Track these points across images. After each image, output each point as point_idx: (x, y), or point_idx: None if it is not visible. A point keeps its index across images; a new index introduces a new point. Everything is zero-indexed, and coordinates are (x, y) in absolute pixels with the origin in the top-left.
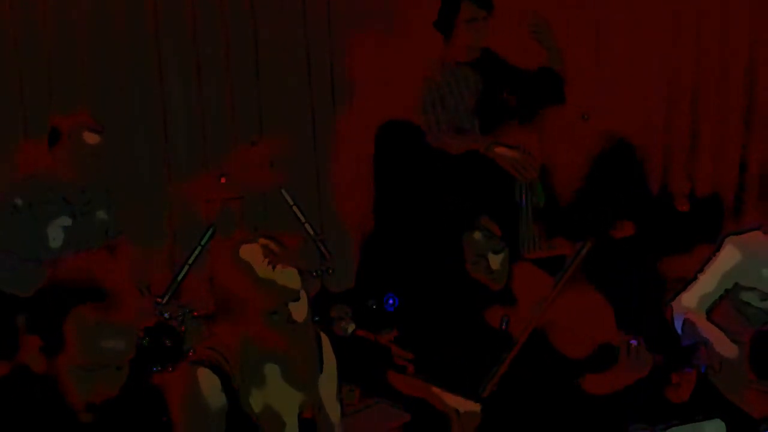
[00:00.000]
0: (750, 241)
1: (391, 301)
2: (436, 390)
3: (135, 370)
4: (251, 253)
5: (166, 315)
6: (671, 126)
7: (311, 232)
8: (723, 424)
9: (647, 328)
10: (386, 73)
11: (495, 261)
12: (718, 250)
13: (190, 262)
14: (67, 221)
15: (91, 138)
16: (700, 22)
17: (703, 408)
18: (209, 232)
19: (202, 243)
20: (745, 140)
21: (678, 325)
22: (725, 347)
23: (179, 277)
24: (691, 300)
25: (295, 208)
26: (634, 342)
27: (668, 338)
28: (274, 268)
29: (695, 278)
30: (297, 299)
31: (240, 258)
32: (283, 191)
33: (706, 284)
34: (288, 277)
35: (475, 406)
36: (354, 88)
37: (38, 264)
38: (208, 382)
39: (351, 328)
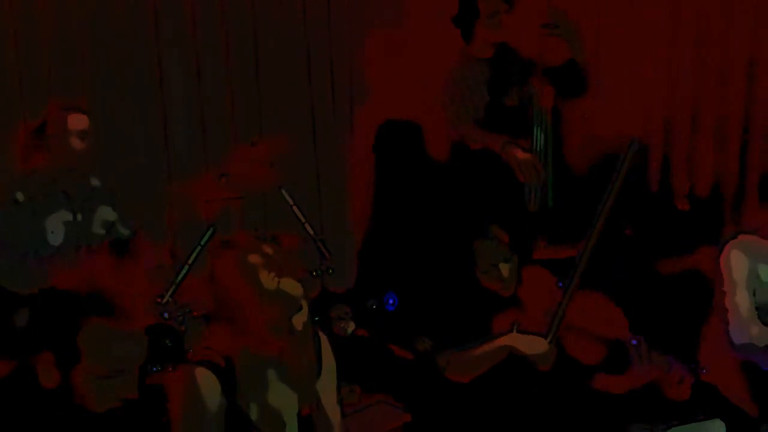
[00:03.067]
0: (749, 243)
1: (391, 301)
2: (505, 341)
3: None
4: (255, 266)
5: (166, 315)
6: (671, 126)
7: (311, 232)
8: (723, 424)
9: (648, 327)
10: (388, 72)
11: (506, 269)
12: (720, 253)
13: (190, 262)
14: (67, 216)
15: (77, 121)
16: (700, 22)
17: (703, 408)
18: (209, 232)
19: (202, 243)
20: (744, 140)
21: (754, 352)
22: None
23: (179, 277)
24: (752, 321)
25: (295, 208)
26: (634, 342)
27: (669, 338)
28: (279, 282)
29: (721, 297)
30: (300, 309)
31: (244, 272)
32: (283, 191)
33: (745, 298)
34: (291, 289)
35: (546, 344)
36: (354, 87)
37: (39, 259)
38: (207, 382)
39: (351, 328)
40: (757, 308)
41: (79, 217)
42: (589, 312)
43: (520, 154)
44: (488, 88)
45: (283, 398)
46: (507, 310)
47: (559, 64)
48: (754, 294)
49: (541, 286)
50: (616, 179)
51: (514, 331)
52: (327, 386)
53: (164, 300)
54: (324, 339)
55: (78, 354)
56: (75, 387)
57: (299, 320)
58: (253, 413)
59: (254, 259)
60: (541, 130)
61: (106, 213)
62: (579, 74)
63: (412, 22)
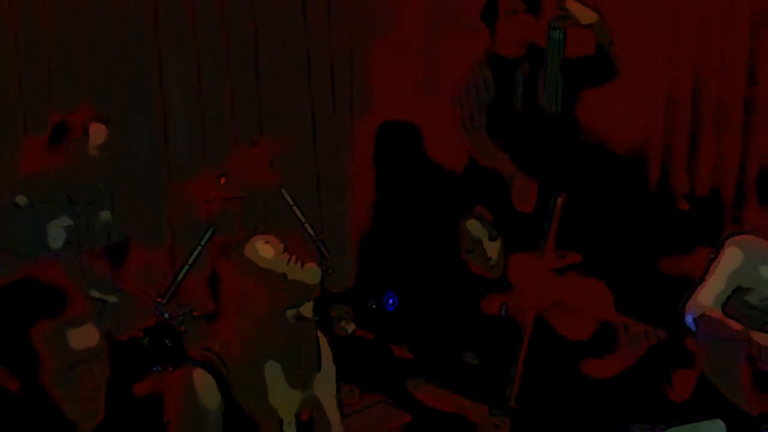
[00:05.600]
0: (749, 242)
1: (391, 301)
2: (465, 402)
3: (135, 371)
4: (276, 250)
5: (166, 315)
6: (671, 126)
7: (311, 232)
8: (723, 424)
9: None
10: (389, 74)
11: (491, 249)
12: (719, 250)
13: (190, 262)
14: (68, 221)
15: (100, 131)
16: (700, 22)
17: (703, 408)
18: (209, 232)
19: (202, 243)
20: (745, 140)
21: (692, 323)
22: (761, 337)
23: (179, 277)
24: (706, 299)
25: (295, 208)
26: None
27: (670, 337)
28: (302, 265)
29: (702, 280)
30: (316, 297)
31: (264, 255)
32: (283, 191)
33: (717, 284)
34: (313, 274)
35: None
36: (355, 89)
37: (37, 262)
38: (204, 383)
39: (351, 328)
40: (757, 308)
41: (82, 221)
42: (577, 291)
43: (524, 184)
44: (501, 90)
45: (283, 396)
46: (496, 293)
47: (585, 55)
48: (739, 289)
49: (530, 269)
50: (546, 234)
51: (503, 313)
52: (326, 387)
53: (164, 300)
54: (323, 338)
55: (36, 355)
56: (46, 389)
57: (308, 307)
58: (253, 412)
59: (273, 245)
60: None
61: (106, 216)
62: (606, 57)
63: (412, 23)
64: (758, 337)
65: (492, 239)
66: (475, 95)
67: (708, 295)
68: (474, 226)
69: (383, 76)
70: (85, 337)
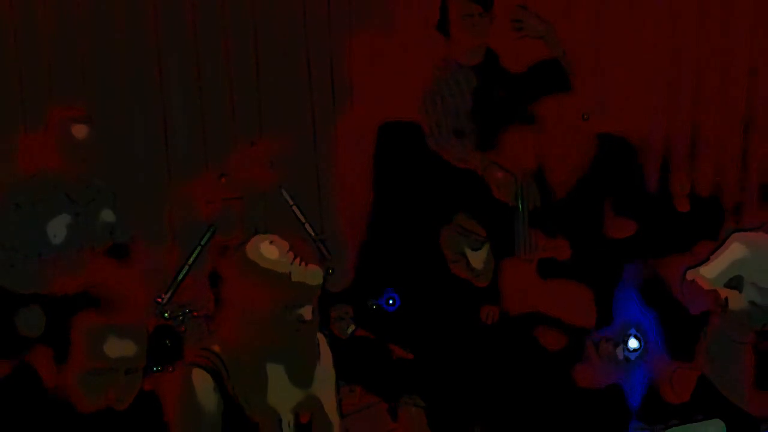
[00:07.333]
0: (755, 239)
1: (391, 301)
2: None
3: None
4: (280, 250)
5: (166, 315)
6: (671, 126)
7: (311, 232)
8: (723, 424)
9: (647, 326)
10: (386, 73)
11: (474, 258)
12: (722, 244)
13: (190, 262)
14: (68, 219)
15: (77, 130)
16: (700, 21)
17: (703, 408)
18: (209, 232)
19: (202, 243)
20: (745, 140)
21: (687, 291)
22: (729, 292)
23: (179, 277)
24: (705, 272)
25: (295, 208)
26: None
27: (669, 337)
28: (306, 267)
29: (704, 262)
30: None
31: (268, 256)
32: (283, 191)
33: (718, 265)
34: (316, 275)
35: None
36: (354, 87)
37: (40, 261)
38: (202, 383)
39: (351, 328)
40: (759, 307)
41: (82, 219)
42: (561, 299)
43: (500, 176)
44: (473, 97)
45: (283, 396)
46: (484, 303)
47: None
48: (739, 281)
49: (519, 278)
50: None
51: (489, 321)
52: (326, 386)
53: (164, 300)
54: (321, 338)
55: (69, 348)
56: (65, 382)
57: (308, 310)
58: (252, 412)
59: (277, 245)
60: None
61: (108, 215)
62: (559, 69)
63: (412, 21)
64: (725, 292)
65: (475, 249)
66: (441, 104)
67: (707, 271)
68: (454, 239)
69: (383, 75)
70: (124, 347)
